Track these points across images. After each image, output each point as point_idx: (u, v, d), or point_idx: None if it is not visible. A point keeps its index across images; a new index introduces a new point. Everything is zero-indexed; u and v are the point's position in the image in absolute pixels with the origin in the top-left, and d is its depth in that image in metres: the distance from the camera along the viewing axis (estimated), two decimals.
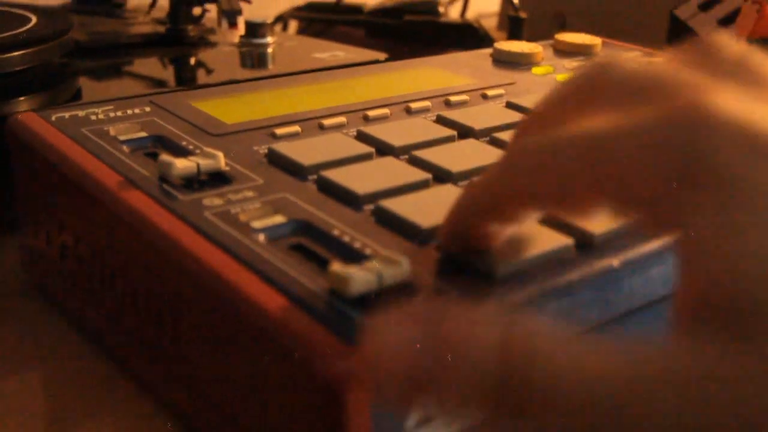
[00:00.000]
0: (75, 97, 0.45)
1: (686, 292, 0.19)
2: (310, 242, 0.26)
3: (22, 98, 0.43)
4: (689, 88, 0.20)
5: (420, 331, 0.19)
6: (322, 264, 0.25)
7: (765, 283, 0.18)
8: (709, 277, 0.18)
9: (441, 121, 0.36)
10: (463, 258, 0.25)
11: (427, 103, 0.38)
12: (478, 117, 0.37)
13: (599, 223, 0.27)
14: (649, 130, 0.20)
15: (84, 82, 0.48)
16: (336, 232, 0.26)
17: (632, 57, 0.23)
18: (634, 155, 0.20)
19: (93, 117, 0.35)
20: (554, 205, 0.23)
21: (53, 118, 0.35)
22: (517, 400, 0.18)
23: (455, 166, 0.31)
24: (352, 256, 0.25)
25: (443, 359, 0.19)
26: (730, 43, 0.22)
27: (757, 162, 0.19)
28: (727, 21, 0.60)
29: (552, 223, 0.27)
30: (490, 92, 0.41)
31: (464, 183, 0.30)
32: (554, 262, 0.25)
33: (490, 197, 0.23)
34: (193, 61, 0.55)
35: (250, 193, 0.29)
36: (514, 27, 0.66)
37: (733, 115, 0.19)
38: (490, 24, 0.78)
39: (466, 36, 0.69)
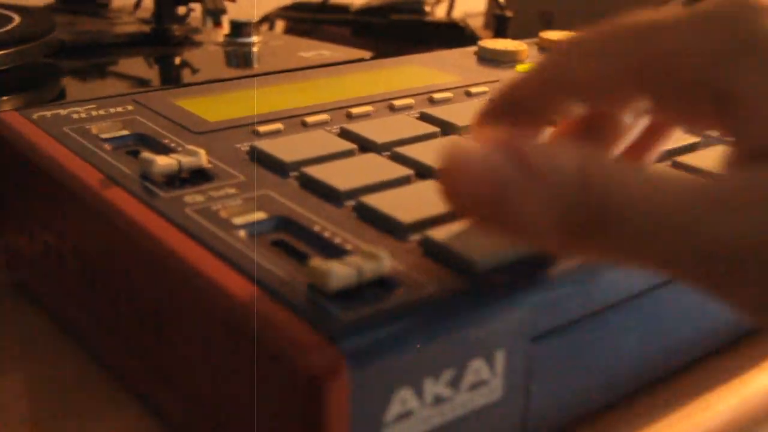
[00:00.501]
0: (59, 97, 0.45)
1: (745, 140, 0.21)
2: (292, 238, 0.26)
3: (5, 98, 0.43)
4: None
5: (502, 153, 0.21)
6: (303, 260, 0.25)
7: None
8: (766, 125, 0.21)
9: (424, 118, 0.37)
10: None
11: (410, 101, 0.38)
12: (461, 114, 0.37)
13: None
14: (697, 13, 0.22)
15: (68, 82, 0.48)
16: (317, 228, 0.26)
17: None
18: (685, 34, 0.22)
19: (75, 116, 0.35)
20: (598, 95, 0.24)
21: (35, 117, 0.35)
22: (593, 223, 0.20)
23: (438, 162, 0.31)
24: (333, 251, 0.25)
25: (524, 180, 0.21)
26: None
27: None
28: None
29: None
30: (474, 90, 0.41)
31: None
32: (534, 255, 0.25)
33: (523, 90, 0.25)
34: (177, 60, 0.55)
35: (231, 190, 0.29)
36: (499, 26, 0.66)
37: None
38: (477, 23, 0.78)
39: (453, 35, 0.69)
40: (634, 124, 0.27)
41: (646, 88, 0.23)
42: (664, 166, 0.22)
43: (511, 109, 0.26)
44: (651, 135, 0.28)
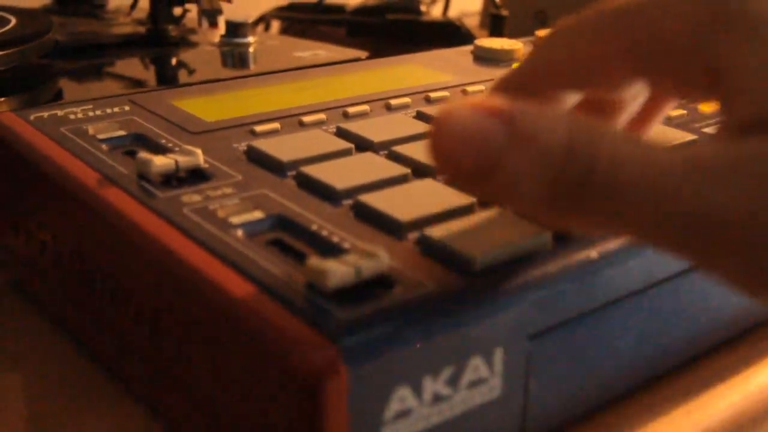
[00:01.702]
0: (56, 98, 0.45)
1: (734, 112, 0.21)
2: (289, 237, 0.26)
3: (2, 99, 0.43)
4: None
5: (491, 117, 0.21)
6: (301, 259, 0.25)
7: None
8: (754, 98, 0.21)
9: (421, 117, 0.37)
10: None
11: (407, 100, 0.38)
12: None
13: None
14: None
15: (65, 83, 0.48)
16: (314, 227, 0.26)
17: None
18: (673, 8, 0.22)
19: (72, 116, 0.35)
20: (592, 78, 0.24)
21: (32, 118, 0.35)
22: (578, 186, 0.20)
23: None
24: (331, 250, 0.25)
25: (512, 144, 0.20)
26: None
27: None
28: None
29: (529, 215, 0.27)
30: (470, 88, 0.41)
31: (443, 177, 0.30)
32: (532, 253, 0.25)
33: (521, 76, 0.25)
34: (173, 61, 0.54)
35: (228, 190, 0.29)
36: (495, 25, 0.66)
37: None
38: (472, 22, 0.78)
39: (449, 35, 0.69)
40: (633, 100, 0.27)
41: (638, 66, 0.23)
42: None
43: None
44: (649, 108, 0.28)
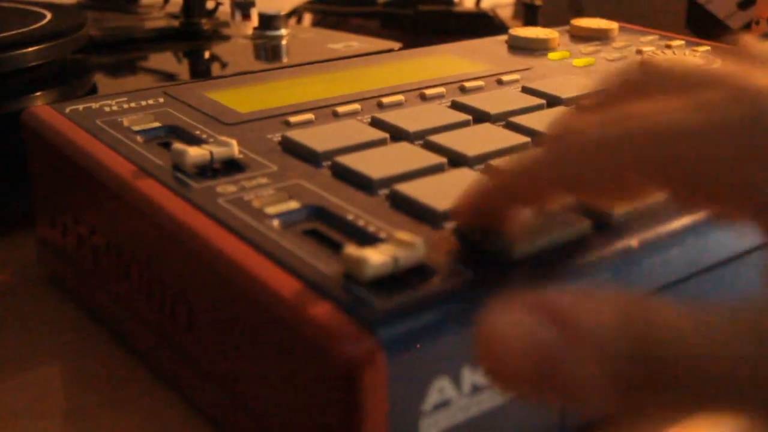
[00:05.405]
0: (90, 92, 0.45)
1: None
2: (325, 227, 0.26)
3: (37, 94, 0.43)
4: (735, 73, 0.21)
5: (538, 318, 0.18)
6: (337, 248, 0.24)
7: None
8: None
9: (456, 106, 0.36)
10: (476, 237, 0.25)
11: (441, 90, 0.38)
12: (493, 102, 0.36)
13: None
14: (714, 111, 0.20)
15: (99, 78, 0.48)
16: (350, 217, 0.26)
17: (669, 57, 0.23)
18: (700, 137, 0.20)
19: (107, 108, 0.35)
20: (606, 190, 0.22)
21: (67, 111, 0.35)
22: (649, 378, 0.18)
23: (471, 150, 0.31)
24: (367, 239, 0.25)
25: (569, 345, 0.18)
26: (758, 42, 0.22)
27: None
28: (747, 4, 0.59)
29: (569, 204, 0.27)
30: (505, 77, 0.40)
31: (480, 167, 0.30)
32: (571, 243, 0.25)
33: (528, 180, 0.23)
34: (207, 54, 0.54)
35: (263, 180, 0.29)
36: (529, 14, 0.66)
37: None
38: (505, 13, 0.78)
39: (481, 25, 0.69)
40: None
41: (668, 185, 0.21)
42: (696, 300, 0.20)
43: (497, 198, 0.24)
44: None
